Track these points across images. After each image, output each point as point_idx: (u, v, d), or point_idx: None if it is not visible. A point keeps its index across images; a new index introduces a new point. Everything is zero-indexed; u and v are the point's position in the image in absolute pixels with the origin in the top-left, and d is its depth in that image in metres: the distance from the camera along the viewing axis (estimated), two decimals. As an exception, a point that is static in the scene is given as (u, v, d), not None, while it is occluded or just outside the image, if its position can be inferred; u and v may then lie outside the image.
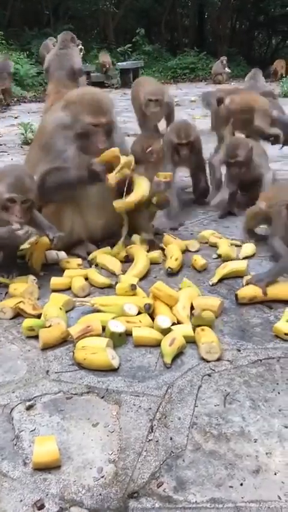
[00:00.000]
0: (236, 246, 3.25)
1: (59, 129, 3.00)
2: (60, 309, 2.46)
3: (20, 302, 2.51)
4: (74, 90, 3.29)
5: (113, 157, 2.88)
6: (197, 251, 3.23)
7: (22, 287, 2.67)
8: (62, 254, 3.08)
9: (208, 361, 2.14)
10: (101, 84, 15.31)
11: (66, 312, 2.53)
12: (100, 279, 2.81)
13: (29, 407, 1.89)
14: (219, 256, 3.09)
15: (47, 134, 3.08)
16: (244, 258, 3.08)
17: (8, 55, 12.42)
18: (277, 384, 2.00)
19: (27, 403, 1.91)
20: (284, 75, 15.24)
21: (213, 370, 2.09)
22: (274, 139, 4.61)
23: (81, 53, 14.97)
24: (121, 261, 3.02)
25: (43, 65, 14.09)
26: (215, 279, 2.82)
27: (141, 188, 3.02)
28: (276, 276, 2.66)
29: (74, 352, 2.17)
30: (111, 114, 3.01)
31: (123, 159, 2.89)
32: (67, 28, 17.85)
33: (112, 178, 2.84)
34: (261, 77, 9.65)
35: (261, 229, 3.36)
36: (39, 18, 19.34)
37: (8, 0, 17.68)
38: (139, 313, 2.43)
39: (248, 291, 2.60)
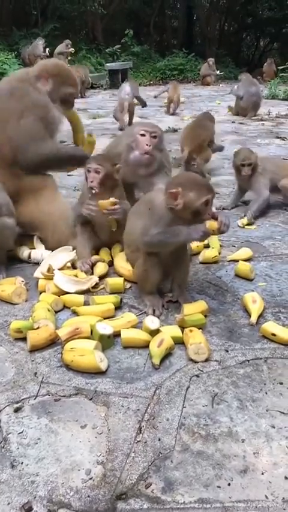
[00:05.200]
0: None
1: None
2: (49, 310, 2.45)
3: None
4: None
5: None
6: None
7: (10, 288, 2.66)
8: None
9: (196, 362, 2.15)
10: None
11: (56, 312, 2.53)
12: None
13: (16, 410, 1.88)
14: None
15: None
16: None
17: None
18: (264, 384, 2.02)
19: (15, 405, 1.90)
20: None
21: (201, 371, 2.10)
22: None
23: (70, 57, 15.10)
24: None
25: (29, 64, 14.13)
26: None
27: None
28: None
29: (62, 354, 2.17)
30: None
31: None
32: (55, 28, 17.89)
33: None
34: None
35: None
36: (27, 18, 19.24)
37: (-4, 0, 17.62)
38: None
39: None
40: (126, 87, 7.92)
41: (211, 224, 2.34)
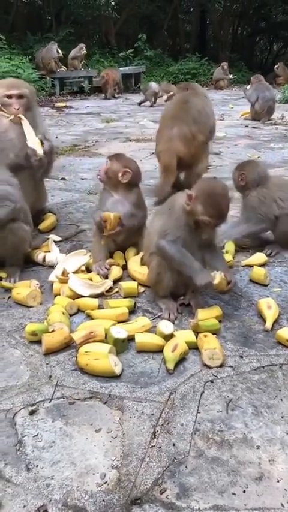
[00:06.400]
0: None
1: None
2: (63, 313, 2.46)
3: None
4: None
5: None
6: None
7: (25, 291, 2.68)
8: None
9: (211, 368, 2.14)
10: (101, 89, 15.38)
11: (70, 316, 2.54)
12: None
13: (32, 413, 1.89)
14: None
15: None
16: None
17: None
18: (279, 390, 2.01)
19: (30, 408, 1.91)
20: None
21: (215, 376, 2.10)
22: None
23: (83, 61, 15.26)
24: None
25: (43, 67, 14.27)
26: None
27: None
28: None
29: (76, 357, 2.17)
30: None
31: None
32: (69, 33, 18.02)
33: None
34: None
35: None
36: (41, 23, 19.42)
37: (12, 5, 17.78)
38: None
39: None
40: (153, 84, 12.32)
41: (221, 282, 2.44)
